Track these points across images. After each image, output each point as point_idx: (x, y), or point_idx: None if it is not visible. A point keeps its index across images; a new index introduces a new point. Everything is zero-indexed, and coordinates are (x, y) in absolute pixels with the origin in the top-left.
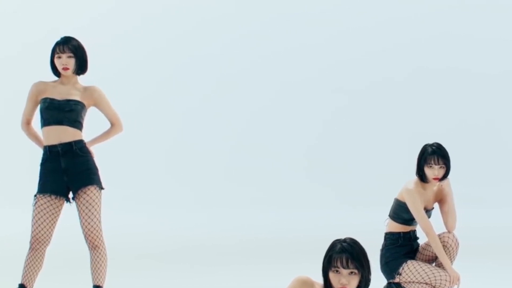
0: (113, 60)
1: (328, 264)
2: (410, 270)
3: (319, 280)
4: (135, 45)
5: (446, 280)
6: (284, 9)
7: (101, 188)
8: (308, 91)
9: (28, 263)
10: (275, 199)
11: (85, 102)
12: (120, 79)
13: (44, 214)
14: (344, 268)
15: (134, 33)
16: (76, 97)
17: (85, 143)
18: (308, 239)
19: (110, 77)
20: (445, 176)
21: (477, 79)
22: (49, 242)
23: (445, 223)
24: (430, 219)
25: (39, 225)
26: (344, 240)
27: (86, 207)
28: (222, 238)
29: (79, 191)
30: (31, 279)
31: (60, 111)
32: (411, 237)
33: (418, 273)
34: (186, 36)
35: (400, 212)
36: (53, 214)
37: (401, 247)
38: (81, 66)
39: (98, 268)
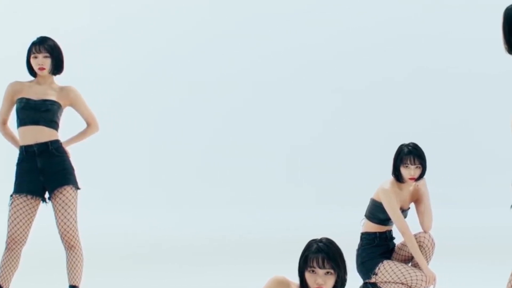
0: (89, 60)
1: (304, 264)
2: (386, 270)
3: (295, 280)
4: (112, 45)
5: (422, 280)
6: (276, 8)
7: (77, 188)
8: (285, 91)
9: (4, 263)
10: (253, 199)
11: (61, 102)
12: (95, 80)
13: (20, 214)
14: (320, 268)
15: (110, 33)
16: (52, 97)
17: (61, 143)
18: (284, 239)
19: (86, 77)
20: (421, 176)
21: (453, 79)
22: (25, 242)
23: (421, 223)
24: (406, 219)
25: (15, 225)
26: (320, 240)
27: (62, 207)
28: (197, 239)
29: (55, 191)
30: (7, 279)
31: (36, 111)
32: (387, 237)
33: (394, 273)
34: (161, 36)
35: (376, 212)
36: (29, 214)
37: (377, 247)
38: (57, 66)
39: (74, 268)
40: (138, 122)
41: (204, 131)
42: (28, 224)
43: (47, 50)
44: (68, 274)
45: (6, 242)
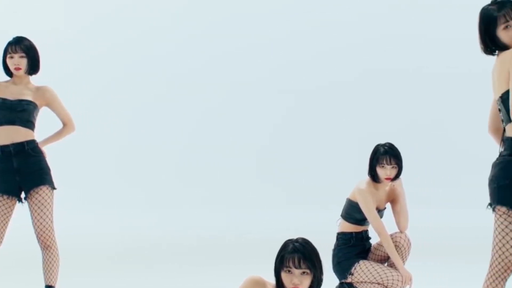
0: (65, 60)
1: (280, 264)
2: (362, 270)
3: (271, 280)
4: (87, 46)
5: (398, 280)
6: (234, 9)
7: (53, 188)
8: (259, 91)
9: None
10: (226, 200)
11: (37, 102)
12: (71, 80)
13: None
14: (296, 268)
15: (85, 33)
16: (28, 97)
17: (37, 143)
18: (260, 239)
19: (62, 77)
20: (397, 176)
21: (426, 79)
22: (1, 242)
23: (397, 223)
24: (382, 219)
25: None
26: (296, 240)
27: (38, 207)
28: (173, 238)
29: (31, 191)
30: None
31: (12, 111)
32: (363, 237)
33: (370, 273)
34: (136, 36)
35: (352, 212)
36: (5, 214)
37: (353, 247)
38: (33, 66)
39: (50, 268)
40: (114, 122)
41: (181, 131)
42: (4, 224)
43: (23, 50)
44: (44, 274)
45: None
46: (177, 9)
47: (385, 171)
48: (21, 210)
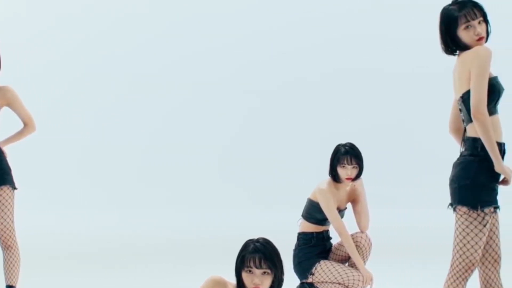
0: (26, 60)
1: (241, 264)
2: (323, 270)
3: (232, 280)
4: (49, 45)
5: (358, 280)
6: (196, 10)
7: (14, 188)
8: (222, 91)
9: None
10: (188, 199)
11: None
12: (33, 79)
13: None
14: (257, 268)
15: (48, 33)
16: None
17: None
18: (221, 239)
19: (23, 77)
20: (358, 176)
21: (389, 79)
22: None
23: (358, 223)
24: (343, 219)
25: None
26: (257, 240)
27: None
28: (134, 239)
29: None
30: None
31: None
32: (324, 237)
33: (331, 273)
34: (100, 35)
35: (313, 212)
36: None
37: (314, 247)
38: None
39: (11, 268)
40: (76, 122)
41: (143, 131)
42: None
43: None
44: (5, 274)
45: None
46: (139, 10)
47: (346, 171)
48: None
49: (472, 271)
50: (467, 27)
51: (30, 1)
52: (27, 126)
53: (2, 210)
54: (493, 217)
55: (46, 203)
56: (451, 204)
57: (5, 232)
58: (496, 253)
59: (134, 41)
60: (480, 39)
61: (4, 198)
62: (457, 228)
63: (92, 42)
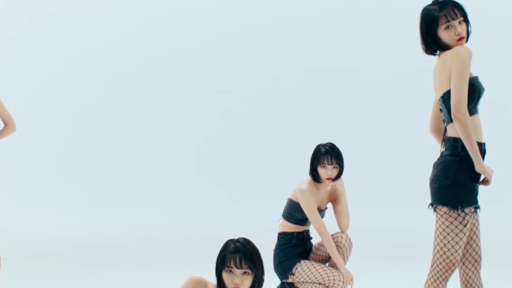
0: (4, 60)
1: (222, 264)
2: (303, 270)
3: (213, 280)
4: (26, 45)
5: (339, 280)
6: (172, 9)
7: None
8: (198, 91)
9: None
10: (166, 199)
11: None
12: (11, 79)
13: None
14: (237, 268)
15: (24, 33)
16: None
17: None
18: (201, 239)
19: (2, 77)
20: (338, 176)
21: (367, 79)
22: None
23: (339, 223)
24: (323, 219)
25: None
26: (238, 240)
27: None
28: (113, 238)
29: None
30: None
31: None
32: (305, 237)
33: (311, 273)
34: (75, 36)
35: (294, 212)
36: None
37: (295, 247)
38: None
39: None
40: (54, 122)
41: (120, 131)
42: None
43: None
44: None
45: None
46: (115, 9)
47: (326, 171)
48: None
49: (452, 271)
50: (447, 27)
51: (4, 2)
52: (7, 126)
53: None
54: (474, 217)
55: (25, 202)
56: (431, 204)
57: None
58: (477, 253)
59: (110, 41)
60: (460, 39)
61: None
62: (437, 228)
63: (68, 43)
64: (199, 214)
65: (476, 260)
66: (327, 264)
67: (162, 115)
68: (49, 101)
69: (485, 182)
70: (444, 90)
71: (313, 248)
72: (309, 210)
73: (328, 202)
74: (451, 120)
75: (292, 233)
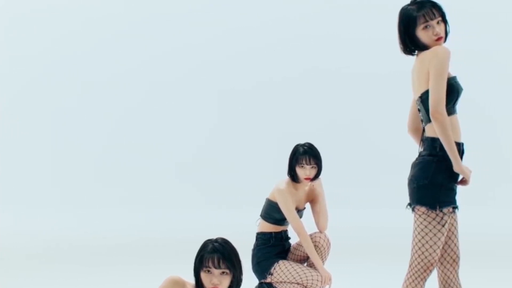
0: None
1: (200, 264)
2: (282, 270)
3: (191, 280)
4: (5, 45)
5: (317, 280)
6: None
7: None
8: (178, 91)
9: None
10: (145, 199)
11: None
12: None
13: None
14: (215, 268)
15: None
16: None
17: None
18: (179, 239)
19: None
20: (316, 176)
21: (345, 79)
22: None
23: (317, 223)
24: (301, 219)
25: None
26: (216, 240)
27: None
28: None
29: None
30: None
31: None
32: (283, 237)
33: (290, 273)
34: (56, 35)
35: (272, 212)
36: None
37: (273, 247)
38: None
39: None
40: (33, 122)
41: (100, 130)
42: None
43: None
44: None
45: None
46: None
47: (305, 171)
48: None
49: (430, 271)
50: (425, 27)
51: (4, 1)
52: None
53: None
54: (452, 217)
55: (4, 203)
56: (409, 204)
57: None
58: (455, 253)
59: (92, 41)
60: (438, 39)
61: None
62: (415, 228)
63: (49, 43)
64: (177, 214)
65: (454, 260)
66: (305, 264)
67: (141, 115)
68: (29, 102)
69: (463, 182)
70: (423, 90)
71: (291, 248)
72: (287, 210)
73: (306, 202)
74: (429, 120)
75: (270, 233)
